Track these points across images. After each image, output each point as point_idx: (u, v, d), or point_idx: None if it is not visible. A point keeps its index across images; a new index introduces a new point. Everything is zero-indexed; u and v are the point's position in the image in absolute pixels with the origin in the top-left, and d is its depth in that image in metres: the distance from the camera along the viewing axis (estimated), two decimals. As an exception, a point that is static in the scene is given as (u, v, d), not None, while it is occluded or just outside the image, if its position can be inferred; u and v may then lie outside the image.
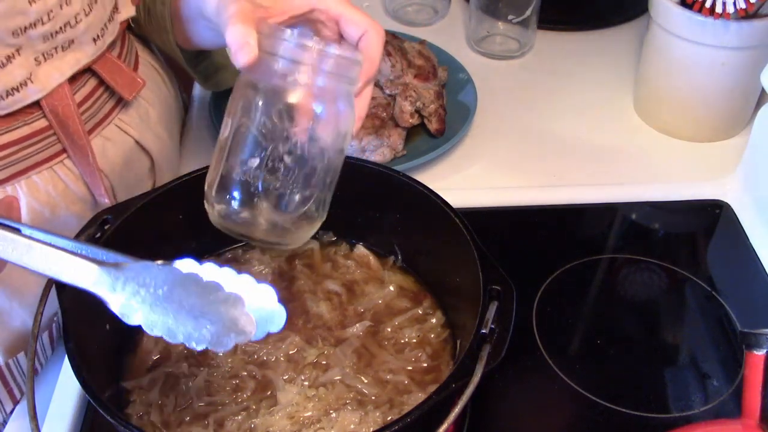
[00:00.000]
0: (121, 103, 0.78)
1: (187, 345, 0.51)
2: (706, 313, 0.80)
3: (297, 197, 0.61)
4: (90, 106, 0.75)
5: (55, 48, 0.69)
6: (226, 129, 0.61)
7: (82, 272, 0.51)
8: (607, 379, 0.73)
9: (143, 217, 0.67)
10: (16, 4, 0.64)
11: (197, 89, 1.07)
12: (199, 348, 0.51)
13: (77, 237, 0.65)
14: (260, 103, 0.59)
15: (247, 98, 0.60)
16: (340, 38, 0.66)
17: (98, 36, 0.73)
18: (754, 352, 0.60)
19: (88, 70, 0.74)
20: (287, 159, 0.60)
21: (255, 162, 0.59)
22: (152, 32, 0.84)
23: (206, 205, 0.62)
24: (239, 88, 0.61)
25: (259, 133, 0.59)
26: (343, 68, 0.60)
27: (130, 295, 0.51)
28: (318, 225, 0.64)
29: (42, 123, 0.71)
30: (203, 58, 0.89)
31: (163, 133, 0.86)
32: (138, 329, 0.69)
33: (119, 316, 0.51)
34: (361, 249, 0.76)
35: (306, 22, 0.67)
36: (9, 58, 0.66)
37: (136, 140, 0.80)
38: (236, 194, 0.60)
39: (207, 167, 0.70)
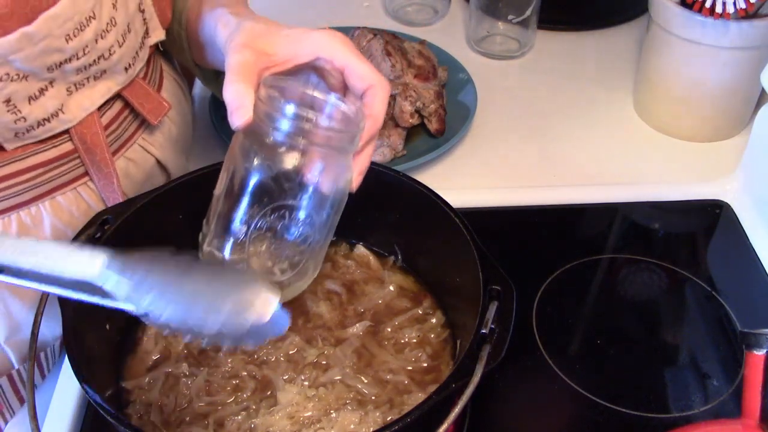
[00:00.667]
0: (145, 123, 0.78)
1: (197, 332, 0.50)
2: (706, 313, 0.80)
3: (289, 260, 0.61)
4: (116, 129, 0.74)
5: (87, 78, 0.68)
6: (220, 184, 0.61)
7: (89, 263, 0.50)
8: (607, 379, 0.73)
9: (143, 217, 0.67)
10: (54, 42, 0.63)
11: (197, 89, 1.07)
12: (212, 332, 0.50)
13: (77, 237, 0.65)
14: (253, 165, 0.58)
15: (241, 159, 0.59)
16: (345, 88, 0.65)
17: (130, 65, 0.72)
18: (754, 352, 0.60)
19: (117, 95, 0.74)
20: (279, 223, 0.59)
21: (245, 226, 0.59)
22: (171, 49, 0.84)
23: (200, 256, 0.62)
24: (234, 147, 0.60)
25: (251, 196, 0.59)
26: (343, 138, 0.59)
27: (138, 282, 0.49)
28: (311, 279, 0.64)
29: (68, 146, 0.71)
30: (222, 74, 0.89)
31: (180, 150, 0.86)
32: (138, 330, 0.70)
33: (126, 304, 0.50)
34: (361, 249, 0.76)
35: (311, 69, 0.65)
36: (42, 91, 0.65)
37: (157, 159, 0.80)
38: (227, 253, 0.60)
39: (207, 167, 0.70)
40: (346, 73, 0.63)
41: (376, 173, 0.72)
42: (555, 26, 1.21)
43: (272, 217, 0.59)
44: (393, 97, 0.98)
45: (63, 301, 0.61)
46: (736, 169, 0.92)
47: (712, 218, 0.91)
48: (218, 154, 0.96)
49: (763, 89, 0.99)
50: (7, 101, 0.63)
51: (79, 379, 0.56)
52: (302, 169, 0.58)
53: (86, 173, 0.73)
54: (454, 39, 1.18)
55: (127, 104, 0.75)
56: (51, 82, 0.66)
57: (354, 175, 0.62)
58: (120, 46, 0.70)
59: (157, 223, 0.68)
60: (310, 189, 0.59)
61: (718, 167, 0.96)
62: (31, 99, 0.64)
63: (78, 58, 0.66)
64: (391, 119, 0.97)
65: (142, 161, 0.79)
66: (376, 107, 0.62)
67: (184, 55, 0.81)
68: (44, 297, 0.64)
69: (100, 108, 0.72)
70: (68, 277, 0.50)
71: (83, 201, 0.74)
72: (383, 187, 0.71)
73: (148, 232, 0.67)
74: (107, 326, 0.66)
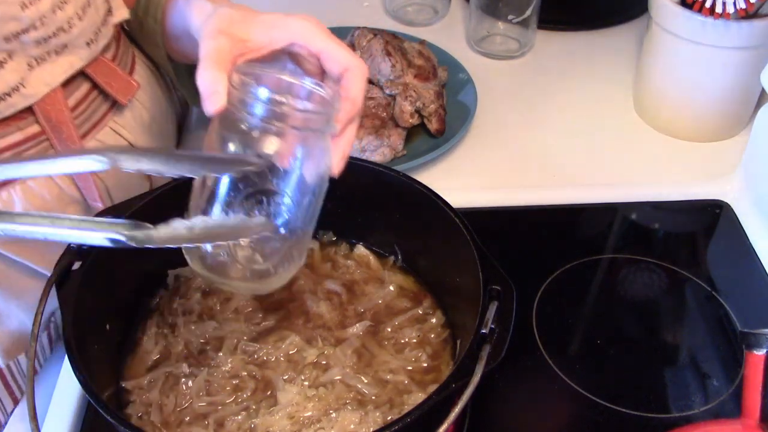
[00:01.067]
0: (115, 105, 0.78)
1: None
2: (706, 313, 0.80)
3: (272, 247, 0.60)
4: (84, 110, 0.74)
5: (48, 52, 0.68)
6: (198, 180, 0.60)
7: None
8: (607, 379, 0.73)
9: (143, 217, 0.67)
10: (9, 10, 0.63)
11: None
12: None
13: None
14: (229, 152, 0.58)
15: (217, 146, 0.59)
16: (323, 73, 0.65)
17: (92, 40, 0.72)
18: (754, 352, 0.60)
19: (81, 74, 0.74)
20: (259, 210, 0.59)
21: (223, 214, 0.59)
22: (145, 45, 0.84)
23: (184, 253, 0.61)
24: (211, 134, 0.60)
25: (229, 183, 0.58)
26: (318, 120, 0.58)
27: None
28: (298, 267, 0.63)
29: (35, 128, 0.70)
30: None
31: (157, 134, 0.85)
32: (138, 330, 0.70)
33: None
34: (361, 249, 0.76)
35: (287, 54, 0.65)
36: (1, 63, 0.65)
37: (130, 143, 0.80)
38: (208, 245, 0.60)
39: (207, 167, 0.70)
40: (322, 58, 0.63)
41: (376, 173, 0.72)
42: (555, 26, 1.21)
43: (252, 204, 0.59)
44: (393, 97, 0.98)
45: (63, 301, 0.61)
46: (736, 169, 0.92)
47: (712, 218, 0.91)
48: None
49: (763, 89, 0.99)
50: None
51: (79, 379, 0.56)
52: (279, 154, 0.58)
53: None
54: (454, 39, 1.18)
55: (95, 86, 0.75)
56: (10, 55, 0.65)
57: (336, 159, 0.61)
58: (80, 20, 0.70)
59: (156, 223, 0.68)
60: (289, 174, 0.59)
61: (718, 167, 0.96)
62: None
63: (36, 29, 0.66)
64: (391, 119, 0.97)
65: (114, 144, 0.78)
66: (353, 90, 0.62)
67: (159, 52, 0.81)
68: (44, 297, 0.64)
69: (66, 86, 0.71)
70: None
71: (55, 185, 0.73)
72: (383, 187, 0.71)
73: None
74: (107, 326, 0.66)
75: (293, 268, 0.63)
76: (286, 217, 0.60)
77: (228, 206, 0.59)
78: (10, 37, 0.64)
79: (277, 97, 0.57)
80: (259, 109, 0.57)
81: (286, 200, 0.60)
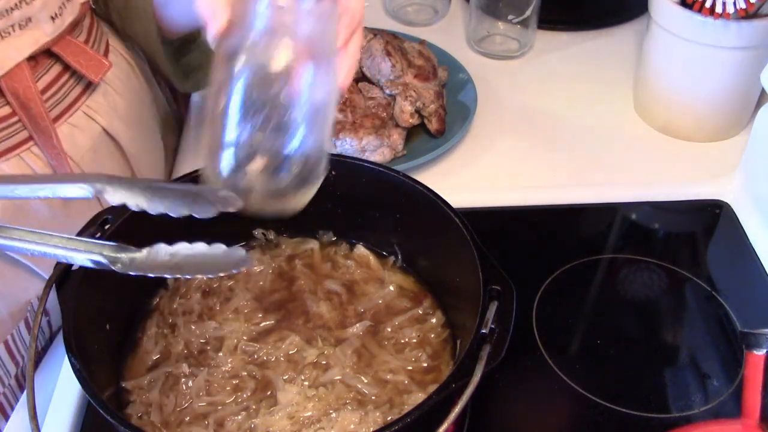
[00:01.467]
0: (89, 89, 0.78)
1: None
2: (706, 313, 0.80)
3: (289, 158, 0.59)
4: (55, 92, 0.74)
5: (12, 26, 0.68)
6: (210, 98, 0.59)
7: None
8: (607, 379, 0.73)
9: (143, 217, 0.67)
10: None
11: (196, 94, 1.07)
12: None
13: (79, 235, 0.65)
14: (236, 71, 0.57)
15: (223, 69, 0.58)
16: None
17: (56, 14, 0.72)
18: (754, 352, 0.60)
19: (50, 55, 0.74)
20: (273, 122, 0.58)
21: (241, 128, 0.58)
22: (134, 23, 0.83)
23: (204, 177, 0.60)
24: (218, 57, 0.59)
25: (243, 101, 0.58)
26: (320, 32, 0.58)
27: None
28: (316, 186, 0.62)
29: (5, 110, 0.70)
30: (186, 51, 0.88)
31: (133, 124, 0.85)
32: (138, 330, 0.70)
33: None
34: (361, 249, 0.76)
35: None
36: None
37: (103, 128, 0.80)
38: (229, 162, 0.59)
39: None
40: None
41: (376, 173, 0.72)
42: (555, 26, 1.21)
43: (263, 126, 0.58)
44: (393, 97, 0.98)
45: (63, 301, 0.61)
46: (736, 169, 0.92)
47: (712, 218, 0.91)
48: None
49: (763, 89, 0.99)
50: None
51: (79, 379, 0.56)
52: (287, 68, 0.57)
53: (28, 138, 0.73)
54: (454, 39, 1.18)
55: (66, 68, 0.75)
56: None
57: (342, 72, 0.61)
58: None
59: (156, 223, 0.68)
60: (298, 90, 0.58)
61: (718, 167, 0.96)
62: None
63: None
64: (391, 119, 0.97)
65: (88, 128, 0.78)
66: (351, 1, 0.61)
67: (149, 26, 0.80)
68: (44, 297, 0.64)
69: (35, 67, 0.71)
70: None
71: (28, 168, 0.73)
72: (383, 187, 0.71)
73: (148, 232, 0.67)
74: (107, 326, 0.66)
75: (312, 188, 0.62)
76: (299, 135, 0.59)
77: (242, 132, 0.58)
78: None
79: (278, 3, 0.56)
80: (260, 21, 0.56)
81: (297, 118, 0.58)
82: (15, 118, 0.71)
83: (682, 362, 0.76)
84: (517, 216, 0.90)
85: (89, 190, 0.51)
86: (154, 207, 0.53)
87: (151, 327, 0.70)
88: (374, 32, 1.04)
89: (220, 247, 0.55)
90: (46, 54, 0.73)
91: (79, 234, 0.65)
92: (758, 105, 1.00)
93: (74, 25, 0.75)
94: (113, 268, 0.51)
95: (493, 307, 0.59)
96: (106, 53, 0.82)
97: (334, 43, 0.59)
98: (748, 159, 0.91)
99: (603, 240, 0.89)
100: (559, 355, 0.75)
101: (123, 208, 0.67)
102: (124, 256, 0.52)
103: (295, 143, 0.59)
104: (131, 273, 0.52)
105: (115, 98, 0.82)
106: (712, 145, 1.01)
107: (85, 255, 0.52)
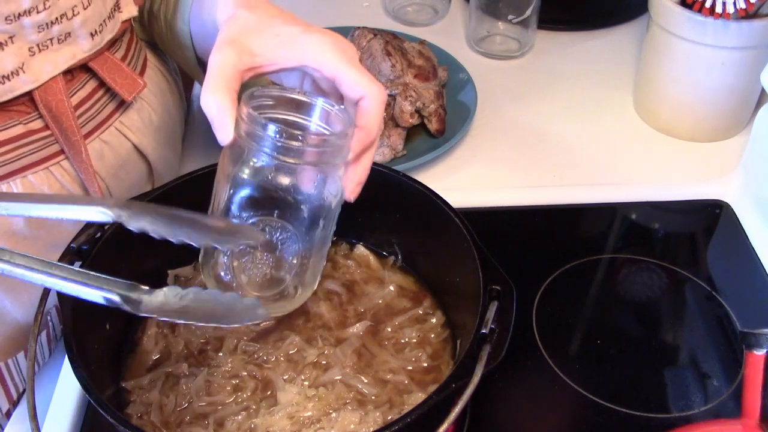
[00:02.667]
0: (123, 106, 0.77)
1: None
2: (706, 313, 0.80)
3: (286, 273, 0.60)
4: (89, 107, 0.74)
5: (51, 39, 0.68)
6: (213, 201, 0.60)
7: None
8: (607, 379, 0.73)
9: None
10: None
11: (197, 89, 1.07)
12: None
13: (77, 237, 0.64)
14: (240, 181, 0.58)
15: (229, 170, 0.58)
16: (340, 96, 0.62)
17: (96, 31, 0.72)
18: (754, 352, 0.60)
19: (87, 70, 0.73)
20: (271, 238, 0.59)
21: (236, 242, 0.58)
22: (175, 49, 0.83)
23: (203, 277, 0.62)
24: (221, 162, 0.60)
25: (240, 210, 0.58)
26: (331, 154, 0.57)
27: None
28: (312, 289, 0.64)
29: (38, 123, 0.70)
30: None
31: (163, 140, 0.85)
32: (138, 330, 0.70)
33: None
34: (361, 249, 0.76)
35: (300, 73, 0.63)
36: (1, 46, 0.65)
37: (134, 144, 0.79)
38: (219, 273, 0.60)
39: (206, 167, 0.70)
40: (337, 83, 0.60)
41: (376, 173, 0.72)
42: (555, 26, 1.21)
43: (264, 232, 0.59)
44: (393, 97, 0.98)
45: (63, 301, 0.61)
46: (736, 169, 0.92)
47: (712, 218, 0.91)
48: (218, 154, 0.96)
49: (763, 89, 0.99)
50: None
51: (79, 379, 0.56)
52: (290, 185, 0.57)
53: (59, 152, 0.72)
54: (454, 39, 1.18)
55: (100, 85, 0.74)
56: (11, 38, 0.65)
57: (350, 186, 0.61)
58: (84, 9, 0.69)
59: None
60: (300, 204, 0.58)
61: (718, 167, 0.96)
62: None
63: (38, 12, 0.65)
64: (391, 119, 0.97)
65: (118, 145, 0.78)
66: (369, 118, 0.59)
67: (189, 54, 0.80)
68: (44, 297, 0.64)
69: (69, 81, 0.71)
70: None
71: (56, 181, 0.73)
72: (383, 187, 0.71)
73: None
74: (107, 326, 0.66)
75: (307, 292, 0.63)
76: (298, 245, 0.60)
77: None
78: (10, 18, 0.64)
79: (286, 133, 0.55)
80: (267, 145, 0.55)
81: (297, 229, 0.59)
82: (47, 132, 0.71)
83: (682, 362, 0.76)
84: (517, 216, 0.90)
85: (110, 215, 0.50)
86: (174, 235, 0.51)
87: (151, 327, 0.70)
88: (374, 32, 1.04)
89: (230, 295, 0.53)
90: (83, 69, 0.73)
91: (78, 235, 0.65)
92: (758, 105, 1.00)
93: (113, 42, 0.75)
94: (125, 307, 0.50)
95: (493, 307, 0.59)
96: (143, 70, 0.81)
97: (342, 159, 0.59)
98: (748, 159, 0.91)
99: (603, 240, 0.89)
100: (559, 355, 0.75)
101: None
102: (134, 295, 0.50)
103: (294, 255, 0.60)
104: (141, 314, 0.51)
105: (151, 114, 0.81)
106: (712, 145, 1.01)
107: (97, 292, 0.50)
